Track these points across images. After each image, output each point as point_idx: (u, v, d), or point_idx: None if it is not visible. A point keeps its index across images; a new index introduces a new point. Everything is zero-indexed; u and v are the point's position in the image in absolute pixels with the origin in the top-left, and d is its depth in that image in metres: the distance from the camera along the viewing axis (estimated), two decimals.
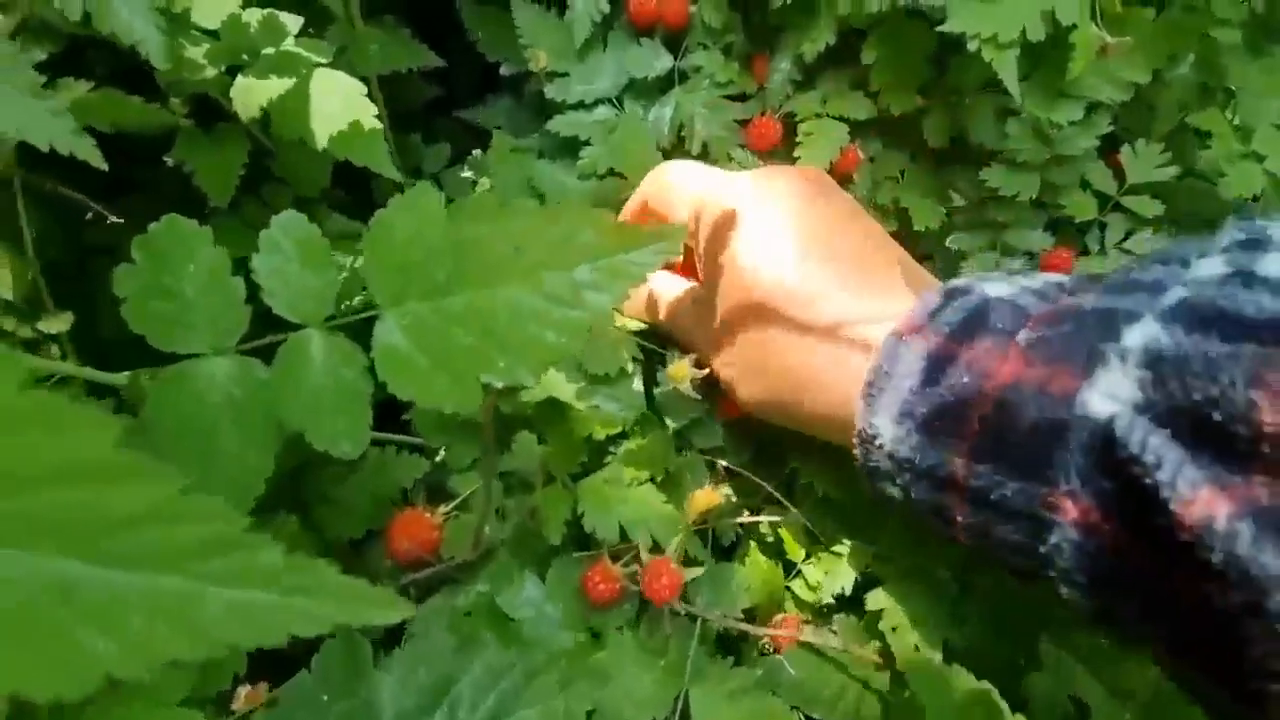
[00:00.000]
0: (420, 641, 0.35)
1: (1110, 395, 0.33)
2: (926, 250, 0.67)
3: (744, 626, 0.49)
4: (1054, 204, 0.62)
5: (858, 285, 0.46)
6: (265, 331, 0.37)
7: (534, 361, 0.34)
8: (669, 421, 0.55)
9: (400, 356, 0.34)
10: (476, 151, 0.75)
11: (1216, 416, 0.29)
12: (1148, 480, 0.30)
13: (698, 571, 0.48)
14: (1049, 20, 0.51)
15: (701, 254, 0.51)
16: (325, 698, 0.33)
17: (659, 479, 0.53)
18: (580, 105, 0.68)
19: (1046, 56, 0.57)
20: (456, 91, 0.81)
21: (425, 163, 0.78)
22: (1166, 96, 0.59)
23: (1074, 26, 0.51)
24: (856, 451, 0.43)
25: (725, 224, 0.47)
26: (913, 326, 0.42)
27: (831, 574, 0.52)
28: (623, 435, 0.54)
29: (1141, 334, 0.34)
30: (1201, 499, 0.29)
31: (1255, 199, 0.59)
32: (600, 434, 0.52)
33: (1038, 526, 0.35)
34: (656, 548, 0.49)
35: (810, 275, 0.46)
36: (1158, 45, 0.55)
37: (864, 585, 0.52)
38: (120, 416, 0.36)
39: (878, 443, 0.41)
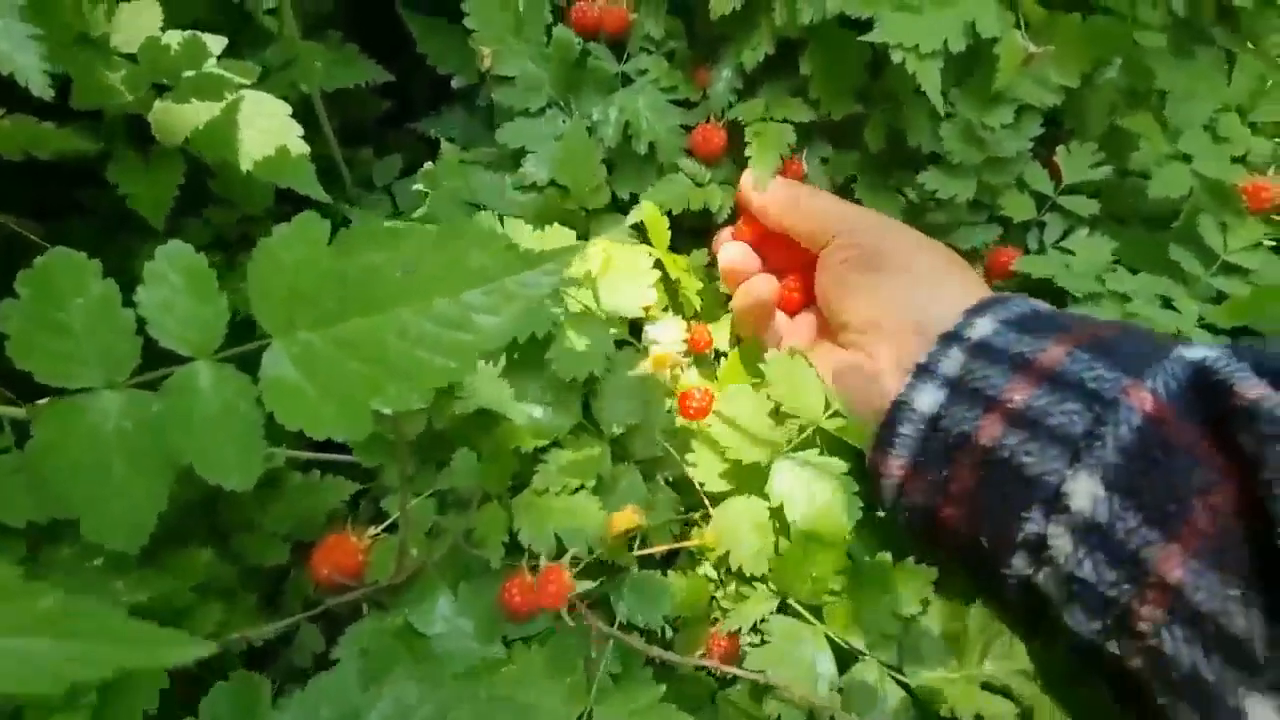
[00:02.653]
0: (323, 678, 0.35)
1: (1204, 350, 0.40)
2: None
3: (657, 651, 0.48)
4: (993, 204, 0.61)
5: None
6: (157, 364, 0.36)
7: (424, 386, 0.33)
8: (605, 430, 0.54)
9: (288, 386, 0.34)
10: (429, 164, 0.75)
11: None
12: (1223, 378, 0.37)
13: (590, 584, 0.48)
14: (970, 31, 0.51)
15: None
16: None
17: (590, 486, 0.52)
18: (526, 112, 0.68)
19: (975, 64, 0.57)
20: (411, 103, 0.81)
21: (376, 175, 0.77)
22: (1096, 99, 0.59)
23: (995, 39, 0.50)
24: (928, 351, 0.48)
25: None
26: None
27: (744, 604, 0.51)
28: (554, 445, 0.53)
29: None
30: (1262, 388, 0.35)
31: (1183, 199, 0.59)
32: (529, 445, 0.52)
33: (1102, 410, 0.40)
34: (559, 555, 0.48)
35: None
36: (1083, 50, 0.55)
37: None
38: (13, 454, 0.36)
39: (966, 336, 0.47)
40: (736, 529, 0.51)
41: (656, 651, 0.47)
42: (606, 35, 0.68)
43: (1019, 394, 0.43)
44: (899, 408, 0.48)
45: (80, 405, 0.35)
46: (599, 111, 0.68)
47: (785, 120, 0.63)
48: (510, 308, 0.34)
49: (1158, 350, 0.41)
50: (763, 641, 0.50)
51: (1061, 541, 0.39)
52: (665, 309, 0.62)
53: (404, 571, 0.46)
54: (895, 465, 0.48)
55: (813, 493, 0.51)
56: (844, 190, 0.67)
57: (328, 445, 0.57)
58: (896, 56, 0.54)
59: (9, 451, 0.39)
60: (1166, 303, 0.57)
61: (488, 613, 0.47)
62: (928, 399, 0.47)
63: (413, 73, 0.77)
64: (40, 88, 0.37)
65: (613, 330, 0.56)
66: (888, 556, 0.51)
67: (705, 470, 0.54)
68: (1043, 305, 0.50)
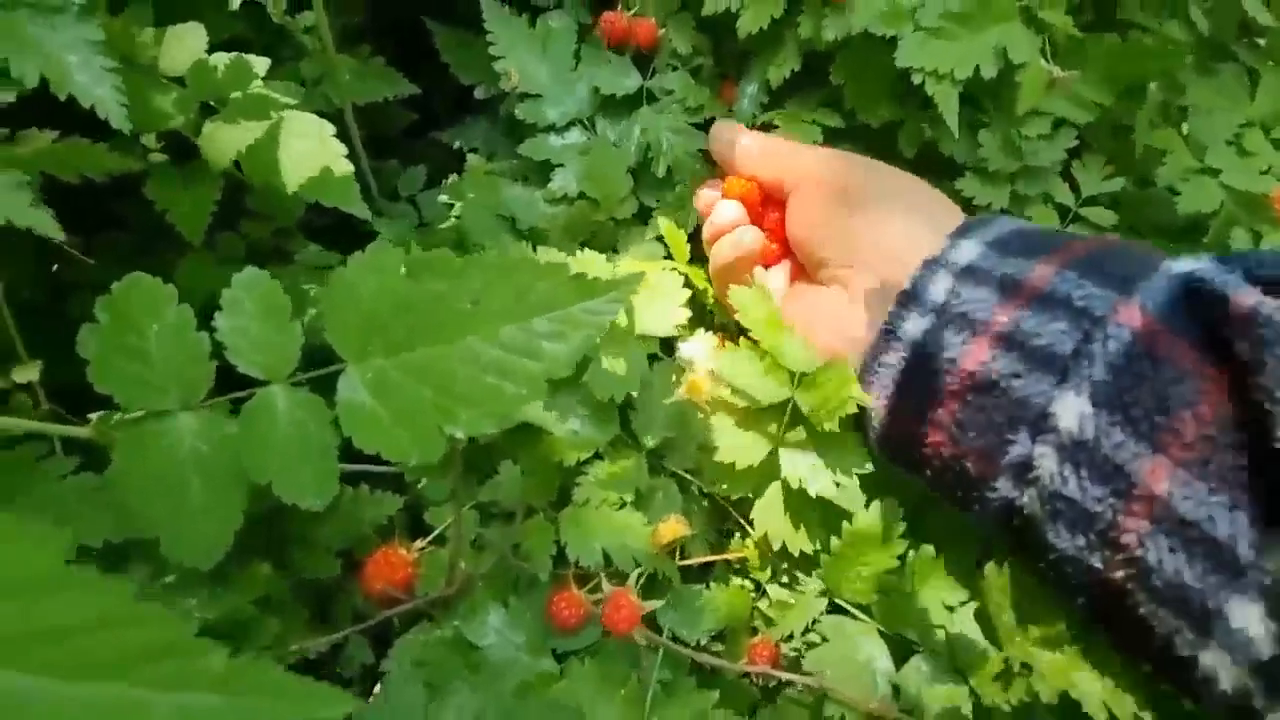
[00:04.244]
0: (392, 694, 0.36)
1: (1193, 263, 0.40)
2: None
3: (708, 659, 0.49)
4: (1022, 216, 0.62)
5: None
6: (230, 386, 0.37)
7: (495, 413, 0.35)
8: (643, 444, 0.55)
9: (364, 411, 0.35)
10: (453, 176, 0.76)
11: (1266, 273, 0.38)
12: (1215, 288, 0.37)
13: (658, 603, 0.49)
14: (1001, 57, 0.52)
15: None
16: None
17: (630, 500, 0.53)
18: (552, 128, 0.69)
19: (1002, 85, 0.58)
20: (434, 114, 0.82)
21: (402, 186, 0.78)
22: (1141, 115, 0.60)
23: (1023, 64, 0.52)
24: (911, 276, 0.48)
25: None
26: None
27: (799, 603, 0.52)
28: (596, 457, 0.54)
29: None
30: (1256, 294, 0.36)
31: (1214, 214, 0.60)
32: (571, 459, 0.53)
33: (1090, 327, 0.40)
34: (618, 575, 0.49)
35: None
36: (1117, 70, 0.56)
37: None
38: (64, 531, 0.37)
39: (951, 260, 0.47)
40: (774, 522, 0.52)
41: (708, 659, 0.48)
42: (634, 48, 0.69)
43: (1006, 315, 0.43)
44: (884, 336, 0.48)
45: (158, 428, 0.36)
46: (621, 129, 0.69)
47: (814, 123, 0.64)
48: (577, 335, 0.35)
49: (1147, 265, 0.41)
50: (820, 640, 0.51)
51: (1047, 461, 0.40)
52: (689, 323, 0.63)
53: (454, 584, 0.48)
54: (879, 394, 0.48)
55: (816, 467, 0.51)
56: None
57: (368, 458, 0.59)
58: (916, 79, 0.56)
59: (79, 473, 0.40)
60: None
61: (538, 625, 0.48)
62: (912, 326, 0.47)
63: (436, 84, 0.78)
64: (119, 120, 0.38)
65: (646, 350, 0.57)
66: (930, 549, 0.51)
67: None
68: (1027, 224, 0.50)
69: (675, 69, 0.68)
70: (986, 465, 0.43)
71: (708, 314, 0.66)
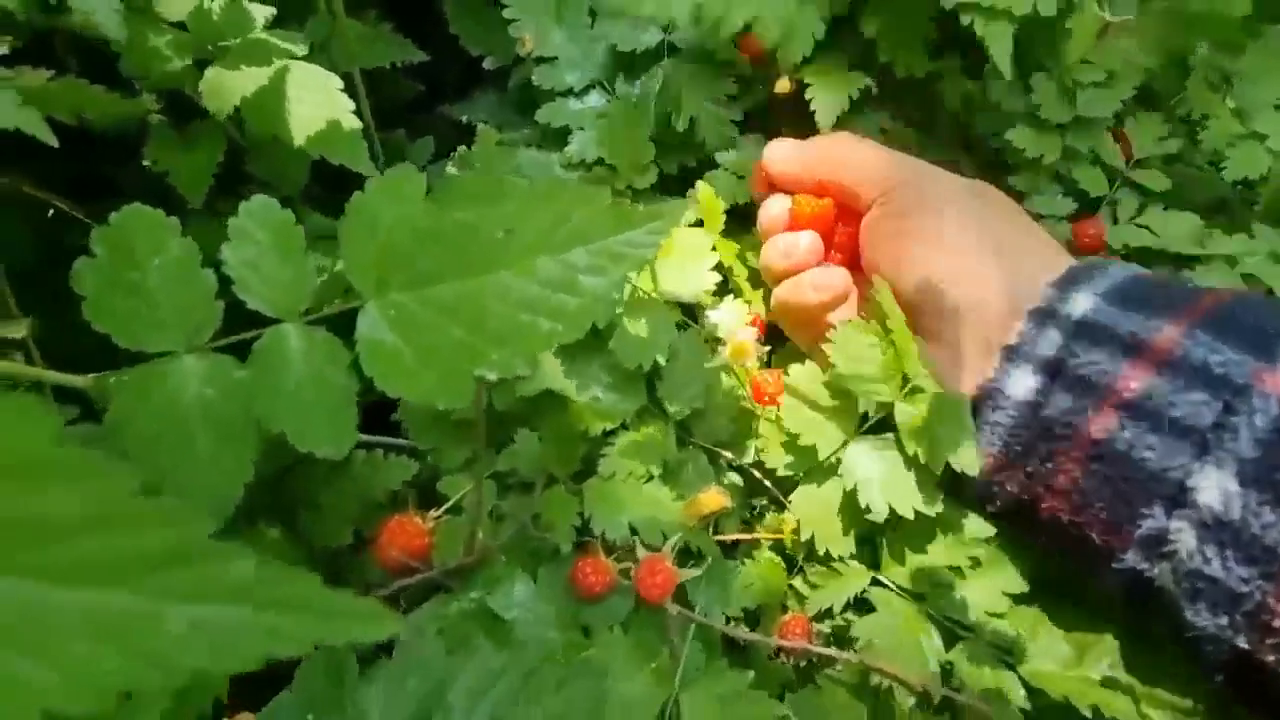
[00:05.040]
0: (409, 649, 0.33)
1: None
2: None
3: (743, 634, 0.47)
4: (1068, 177, 0.60)
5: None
6: (239, 327, 0.34)
7: (528, 352, 0.32)
8: (671, 414, 0.52)
9: (386, 350, 0.32)
10: (462, 148, 0.73)
11: None
12: None
13: (695, 572, 0.46)
14: None
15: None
16: (310, 716, 0.30)
17: (657, 474, 0.51)
18: (570, 92, 0.66)
19: (1051, 37, 0.55)
20: (441, 87, 0.80)
21: (410, 158, 0.76)
22: (1192, 78, 0.58)
23: (1079, 4, 0.49)
24: (1017, 329, 0.45)
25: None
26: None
27: (835, 581, 0.50)
28: (621, 427, 0.51)
29: None
30: None
31: (1259, 180, 0.58)
32: (596, 428, 0.50)
33: (1233, 399, 0.37)
34: (650, 546, 0.47)
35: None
36: (1169, 36, 0.54)
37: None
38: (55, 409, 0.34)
39: (1064, 313, 0.43)
40: (816, 514, 0.49)
41: (743, 634, 0.46)
42: None
43: (1135, 381, 0.40)
44: (989, 394, 0.45)
45: (160, 371, 0.33)
46: (643, 86, 0.66)
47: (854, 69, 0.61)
48: (617, 269, 0.32)
49: None
50: (867, 612, 0.48)
51: (1185, 537, 0.37)
52: (718, 293, 0.60)
53: (473, 553, 0.45)
54: (984, 452, 0.45)
55: (892, 479, 0.48)
56: None
57: (381, 427, 0.56)
58: (965, 19, 0.52)
59: (76, 424, 0.37)
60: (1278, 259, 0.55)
61: (567, 598, 0.45)
62: (1022, 385, 0.44)
63: (443, 56, 0.76)
64: (115, 29, 0.35)
65: (674, 315, 0.54)
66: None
67: (774, 456, 0.52)
68: (1141, 271, 0.46)
69: (698, 20, 0.65)
70: (1114, 537, 0.41)
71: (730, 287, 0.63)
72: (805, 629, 0.49)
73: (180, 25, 0.51)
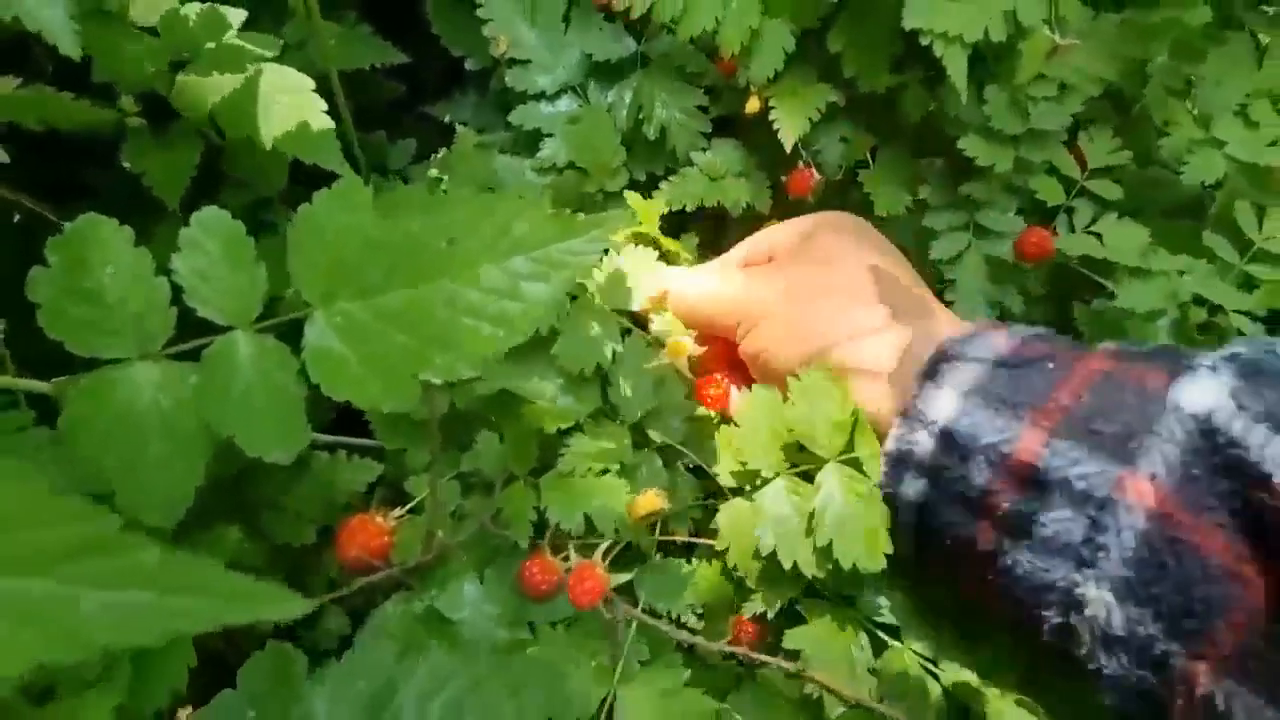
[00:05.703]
0: (359, 651, 0.34)
1: (1205, 395, 0.35)
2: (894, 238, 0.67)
3: (686, 636, 0.47)
4: (1025, 188, 0.61)
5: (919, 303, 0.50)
6: (192, 335, 0.35)
7: (472, 356, 0.33)
8: (624, 417, 0.53)
9: (333, 357, 0.33)
10: (443, 150, 0.74)
11: None
12: (1251, 459, 0.32)
13: (625, 577, 0.47)
14: (1011, 20, 0.50)
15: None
16: (252, 714, 0.31)
17: (614, 469, 0.51)
18: (542, 96, 0.67)
19: (1006, 51, 0.56)
20: (423, 88, 0.80)
21: (390, 160, 0.76)
22: (1151, 87, 0.59)
23: (1030, 29, 0.50)
24: (892, 434, 0.44)
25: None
26: (989, 326, 0.45)
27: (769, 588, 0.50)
28: (576, 428, 0.52)
29: (1224, 354, 0.36)
30: None
31: (1217, 185, 0.59)
32: (552, 427, 0.51)
33: (1098, 515, 0.36)
34: (588, 547, 0.48)
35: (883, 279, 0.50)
36: (1124, 47, 0.55)
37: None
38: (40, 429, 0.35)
39: (929, 418, 0.42)
40: (736, 530, 0.49)
41: (683, 635, 0.46)
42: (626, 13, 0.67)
43: (1003, 500, 0.39)
44: (886, 498, 0.45)
45: (113, 377, 0.34)
46: (614, 95, 0.67)
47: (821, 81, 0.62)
48: (558, 275, 0.33)
49: (1148, 405, 0.37)
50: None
51: (1087, 639, 0.37)
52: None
53: (431, 552, 0.46)
54: (899, 541, 0.45)
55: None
56: (858, 169, 0.66)
57: (348, 428, 0.57)
58: (924, 40, 0.54)
59: (27, 430, 0.38)
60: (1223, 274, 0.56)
61: (514, 598, 0.46)
62: (911, 490, 0.43)
63: (425, 57, 0.76)
64: (69, 45, 0.36)
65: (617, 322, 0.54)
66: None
67: (723, 465, 0.52)
68: (999, 343, 0.43)
69: (671, 32, 0.66)
70: (1029, 625, 0.40)
71: None
72: (757, 629, 0.50)
73: (152, 30, 0.52)
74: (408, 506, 0.49)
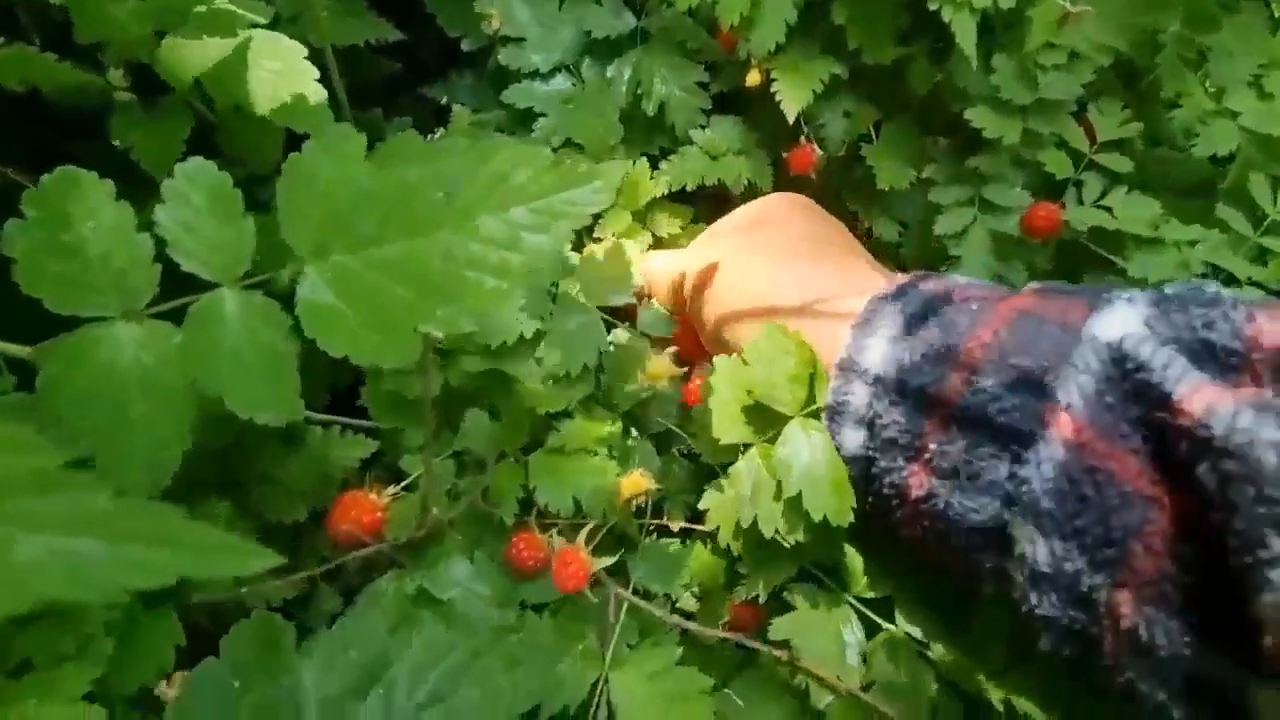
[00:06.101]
0: (349, 622, 0.33)
1: (1120, 324, 0.35)
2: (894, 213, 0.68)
3: (679, 621, 0.46)
4: (1033, 161, 0.60)
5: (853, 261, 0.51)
6: (175, 293, 0.34)
7: (474, 308, 0.31)
8: (617, 403, 0.52)
9: (328, 312, 0.32)
10: (439, 130, 0.73)
11: (1215, 337, 0.33)
12: (1154, 381, 0.33)
13: (608, 560, 0.46)
14: None
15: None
16: (236, 684, 0.30)
17: (603, 452, 0.51)
18: (536, 74, 0.66)
19: (1015, 19, 0.55)
20: (419, 68, 0.79)
21: (386, 138, 0.75)
22: (1163, 58, 0.58)
23: None
24: (830, 386, 0.44)
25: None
26: (917, 276, 0.45)
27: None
28: (566, 414, 0.51)
29: (1138, 290, 0.37)
30: (1207, 393, 0.31)
31: (1229, 158, 0.57)
32: (543, 409, 0.50)
33: (1020, 448, 0.36)
34: (573, 529, 0.47)
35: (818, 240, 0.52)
36: (1135, 17, 0.54)
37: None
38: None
39: (862, 367, 0.42)
40: (724, 508, 0.48)
41: (675, 619, 0.45)
42: None
43: (931, 442, 0.40)
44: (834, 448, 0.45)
45: (94, 336, 0.33)
46: (613, 70, 0.66)
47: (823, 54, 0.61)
48: (559, 226, 0.32)
49: (1067, 338, 0.37)
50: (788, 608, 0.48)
51: (1019, 578, 0.37)
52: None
53: (425, 528, 0.44)
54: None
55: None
56: (862, 143, 0.65)
57: (343, 408, 0.55)
58: (933, 6, 0.53)
59: (7, 394, 0.37)
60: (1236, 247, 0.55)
61: (503, 578, 0.45)
62: (851, 439, 0.44)
63: (421, 36, 0.75)
64: None
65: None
66: None
67: (702, 444, 0.51)
68: (926, 286, 0.44)
69: (670, 6, 0.65)
70: (965, 577, 0.41)
71: None
72: (754, 612, 0.49)
73: None
74: (402, 484, 0.47)
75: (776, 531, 0.45)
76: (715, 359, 0.49)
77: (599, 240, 0.62)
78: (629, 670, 0.45)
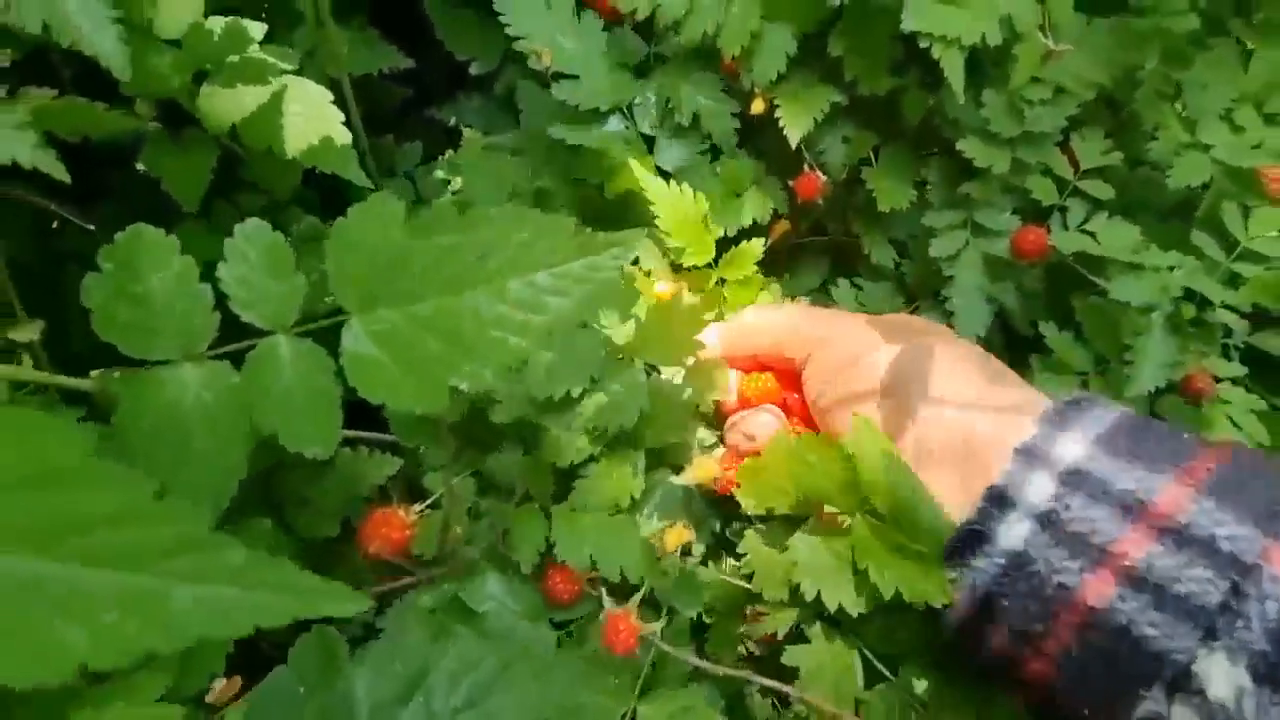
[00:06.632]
0: (395, 634, 0.36)
1: None
2: (896, 234, 0.70)
3: (704, 664, 0.48)
4: (1020, 187, 0.63)
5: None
6: (233, 337, 0.37)
7: (497, 365, 0.35)
8: (645, 441, 0.54)
9: (369, 362, 0.35)
10: (450, 152, 0.75)
11: None
12: None
13: (656, 627, 0.48)
14: (1006, 25, 0.52)
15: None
16: (302, 690, 0.33)
17: (625, 507, 0.52)
18: (595, 112, 0.65)
19: (1002, 55, 0.58)
20: (428, 90, 0.82)
21: (398, 162, 0.78)
22: (1142, 92, 0.61)
23: (1024, 34, 0.52)
24: (1002, 469, 0.41)
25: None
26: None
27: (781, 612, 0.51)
28: (591, 459, 0.53)
29: None
30: None
31: (1204, 187, 0.61)
32: (567, 462, 0.52)
33: (1241, 581, 0.34)
34: (619, 591, 0.49)
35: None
36: (1115, 54, 0.57)
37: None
38: (91, 425, 0.37)
39: (1053, 458, 0.40)
40: (762, 557, 0.50)
41: (697, 662, 0.48)
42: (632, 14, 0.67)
43: (1135, 549, 0.36)
44: (969, 536, 0.41)
45: (160, 377, 0.36)
46: (639, 96, 0.67)
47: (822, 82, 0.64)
48: (579, 290, 0.35)
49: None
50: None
51: None
52: None
53: (446, 547, 0.48)
54: (962, 598, 0.41)
55: (835, 576, 0.47)
56: (860, 168, 0.68)
57: (365, 424, 0.59)
58: (924, 44, 0.56)
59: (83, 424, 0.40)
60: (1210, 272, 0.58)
61: (535, 595, 0.49)
62: (1010, 532, 0.40)
63: (429, 59, 0.78)
64: (120, 68, 0.38)
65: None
66: None
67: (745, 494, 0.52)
68: (1128, 412, 0.42)
69: (677, 34, 0.67)
70: (1107, 714, 0.38)
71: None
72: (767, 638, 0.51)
73: (176, 42, 0.53)
74: (427, 501, 0.51)
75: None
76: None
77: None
78: (656, 705, 0.47)
